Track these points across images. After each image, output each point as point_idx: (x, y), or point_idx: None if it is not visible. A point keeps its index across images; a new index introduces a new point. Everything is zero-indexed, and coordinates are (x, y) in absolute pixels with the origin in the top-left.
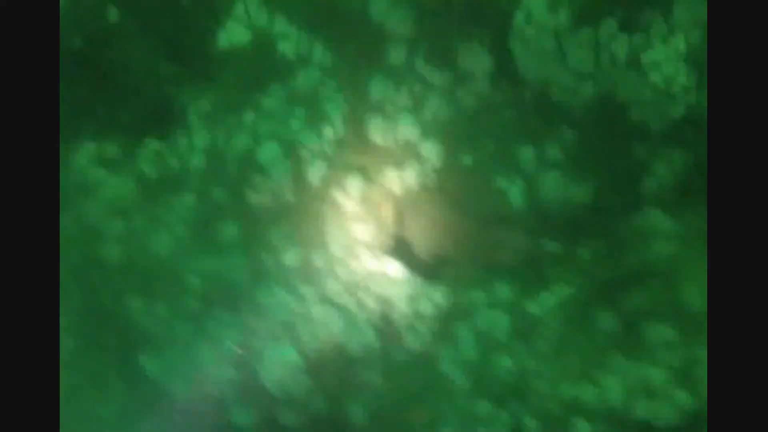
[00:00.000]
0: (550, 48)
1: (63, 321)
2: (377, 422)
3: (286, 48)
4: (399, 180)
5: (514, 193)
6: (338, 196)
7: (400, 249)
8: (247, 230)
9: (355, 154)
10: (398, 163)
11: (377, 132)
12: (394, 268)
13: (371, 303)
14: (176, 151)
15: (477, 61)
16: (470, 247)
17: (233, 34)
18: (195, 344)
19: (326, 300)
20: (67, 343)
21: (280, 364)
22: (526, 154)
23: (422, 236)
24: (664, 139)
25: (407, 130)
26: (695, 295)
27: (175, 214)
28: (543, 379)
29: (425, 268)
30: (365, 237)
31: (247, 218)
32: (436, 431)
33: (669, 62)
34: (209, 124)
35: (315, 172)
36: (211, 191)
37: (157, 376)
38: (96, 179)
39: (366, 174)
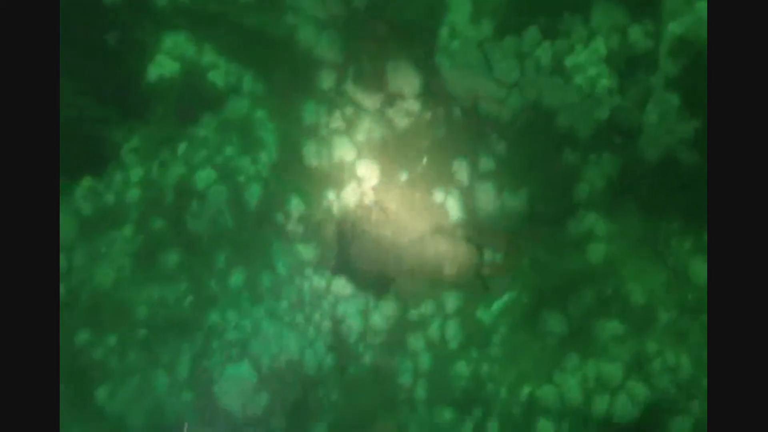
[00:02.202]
0: (476, 60)
1: None
2: None
3: (216, 77)
4: (337, 200)
5: (452, 205)
6: (278, 217)
7: (346, 266)
8: (189, 257)
9: (292, 177)
10: (336, 184)
11: (312, 155)
12: (342, 285)
13: (322, 320)
14: (111, 186)
15: (406, 80)
16: (413, 261)
17: (163, 67)
18: (149, 372)
19: (277, 318)
20: None
21: (236, 384)
22: (460, 167)
23: (365, 253)
24: (593, 143)
25: (342, 151)
26: (637, 291)
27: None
28: (501, 382)
29: (372, 283)
30: (309, 256)
31: (188, 245)
32: None
33: (591, 65)
34: (143, 158)
35: (253, 195)
36: (150, 222)
37: (114, 408)
38: None
39: (304, 195)
